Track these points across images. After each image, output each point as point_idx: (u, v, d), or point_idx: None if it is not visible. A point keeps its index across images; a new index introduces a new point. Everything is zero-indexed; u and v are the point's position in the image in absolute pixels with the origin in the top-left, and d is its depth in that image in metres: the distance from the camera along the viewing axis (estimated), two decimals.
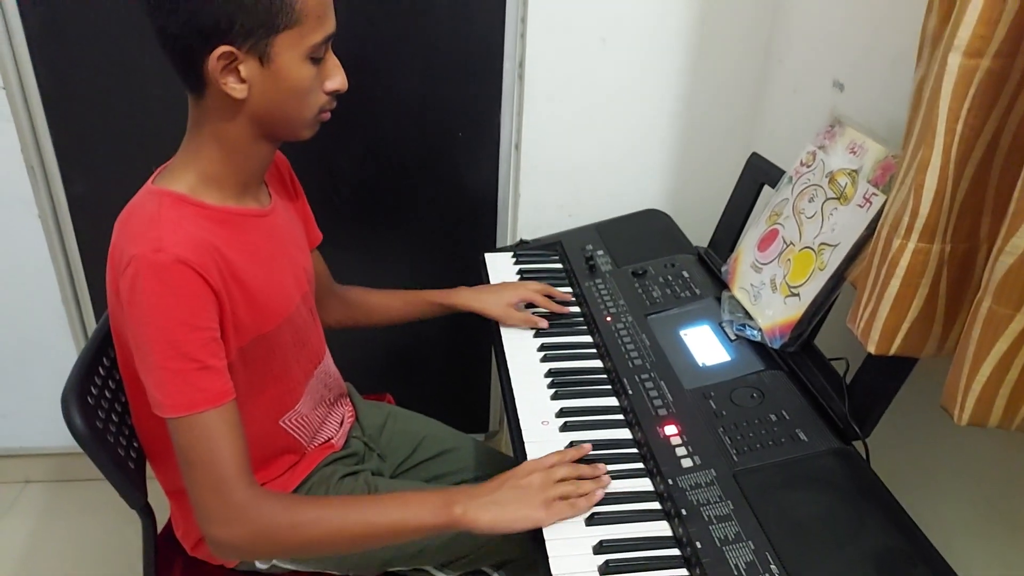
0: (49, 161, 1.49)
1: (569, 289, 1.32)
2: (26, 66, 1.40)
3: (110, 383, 1.02)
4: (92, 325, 1.68)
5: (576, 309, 1.27)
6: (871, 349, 0.83)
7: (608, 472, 0.90)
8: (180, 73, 0.84)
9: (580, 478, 0.89)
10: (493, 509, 0.85)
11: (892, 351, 0.82)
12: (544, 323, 1.21)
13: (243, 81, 0.82)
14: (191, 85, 0.85)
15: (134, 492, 0.95)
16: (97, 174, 1.51)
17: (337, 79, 0.89)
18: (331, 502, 0.90)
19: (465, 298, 1.24)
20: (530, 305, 1.26)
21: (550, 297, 1.26)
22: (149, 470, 1.03)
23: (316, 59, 0.85)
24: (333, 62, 0.89)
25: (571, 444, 0.96)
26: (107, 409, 0.98)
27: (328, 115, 0.92)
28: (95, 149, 1.49)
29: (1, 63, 1.38)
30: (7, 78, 1.40)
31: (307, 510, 0.85)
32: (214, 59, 0.79)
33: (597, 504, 0.86)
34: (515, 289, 1.26)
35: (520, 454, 0.96)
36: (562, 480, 0.88)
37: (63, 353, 1.67)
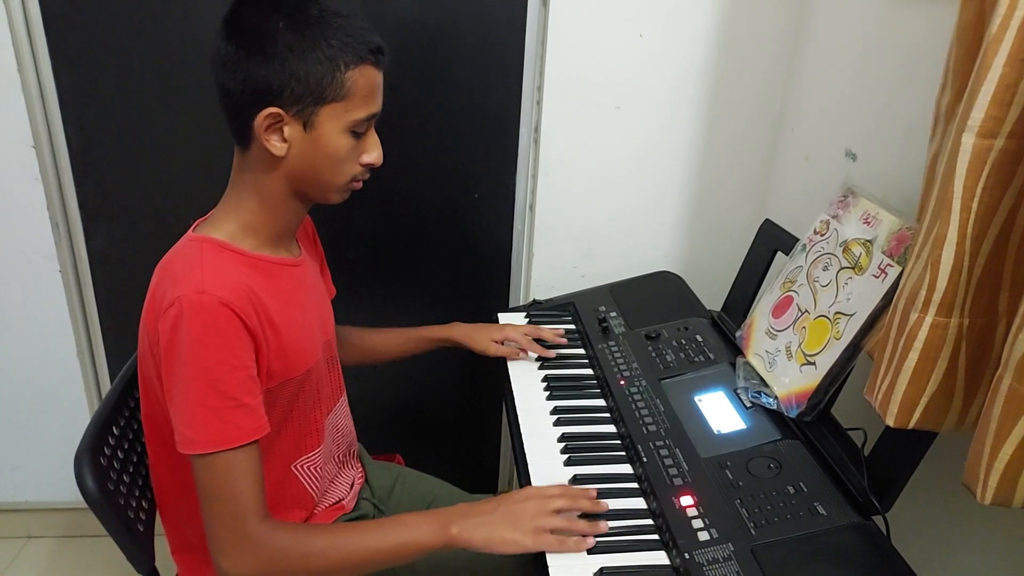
0: (73, 217, 1.52)
1: (583, 351, 1.32)
2: (57, 127, 1.44)
3: (124, 443, 1.02)
4: (106, 379, 1.68)
5: (585, 362, 1.27)
6: (890, 422, 0.81)
7: (623, 542, 0.89)
8: (231, 126, 0.91)
9: (581, 514, 0.91)
10: (485, 529, 0.88)
11: (911, 424, 0.81)
12: (521, 354, 1.29)
13: (285, 141, 0.89)
14: (239, 138, 0.91)
15: (142, 556, 0.94)
16: (118, 231, 1.54)
17: (374, 154, 0.96)
18: (337, 530, 0.93)
19: (456, 334, 1.32)
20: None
21: (541, 341, 1.31)
22: (157, 526, 1.02)
23: (357, 133, 0.92)
24: (373, 139, 0.96)
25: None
26: (119, 470, 0.98)
27: (360, 185, 0.98)
28: (118, 206, 1.52)
29: (34, 124, 1.43)
30: (38, 138, 1.44)
31: (316, 540, 0.88)
32: (261, 117, 0.87)
33: None
34: (501, 329, 1.32)
35: None
36: (559, 511, 0.89)
37: (75, 408, 1.67)
